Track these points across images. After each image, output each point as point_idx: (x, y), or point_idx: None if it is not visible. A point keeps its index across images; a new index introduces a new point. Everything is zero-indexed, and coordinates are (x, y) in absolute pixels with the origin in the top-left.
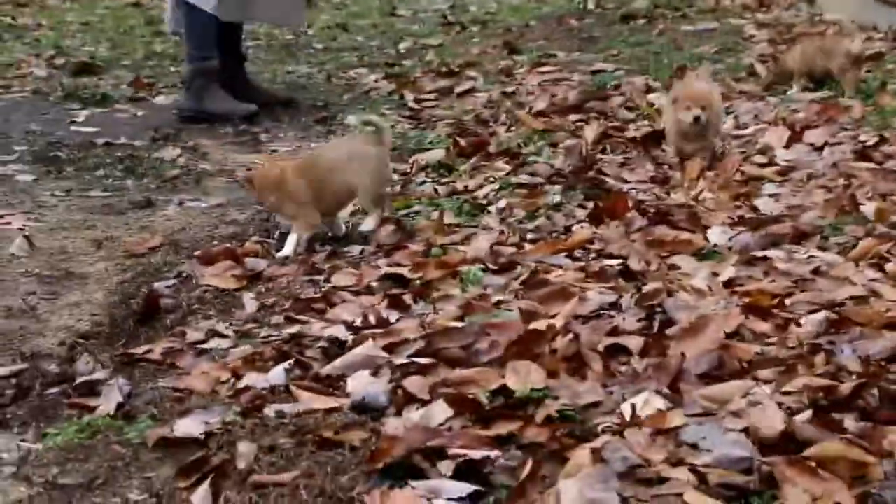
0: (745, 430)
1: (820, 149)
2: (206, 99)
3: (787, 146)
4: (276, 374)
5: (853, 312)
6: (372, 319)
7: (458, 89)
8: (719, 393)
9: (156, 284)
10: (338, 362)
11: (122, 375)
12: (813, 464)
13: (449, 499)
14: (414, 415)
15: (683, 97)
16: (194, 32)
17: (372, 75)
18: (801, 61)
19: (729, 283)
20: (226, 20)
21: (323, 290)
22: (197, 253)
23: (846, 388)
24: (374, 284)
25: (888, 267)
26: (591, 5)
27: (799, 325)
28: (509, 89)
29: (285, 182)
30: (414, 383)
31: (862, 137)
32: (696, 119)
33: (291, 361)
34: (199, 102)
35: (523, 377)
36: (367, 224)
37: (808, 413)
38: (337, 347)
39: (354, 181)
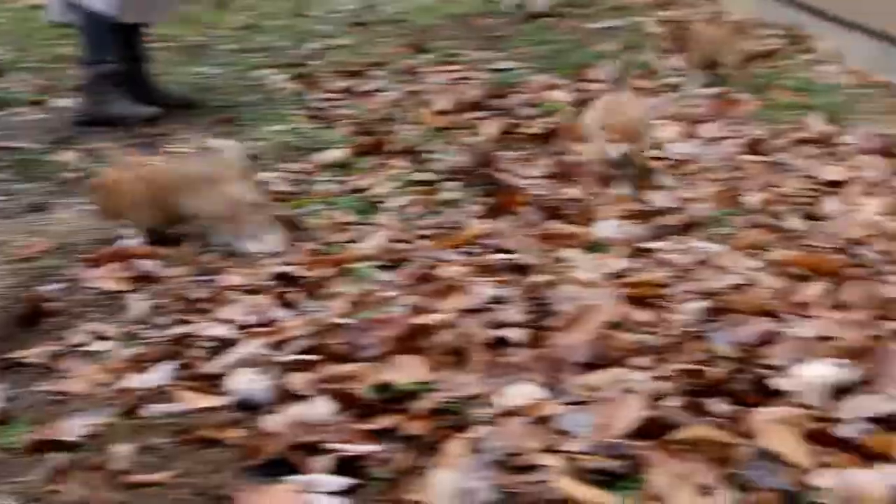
0: (616, 417)
1: (712, 142)
2: (104, 103)
3: (681, 140)
4: (159, 375)
5: (730, 300)
6: (259, 318)
7: (362, 88)
8: (595, 381)
9: (39, 288)
10: (221, 360)
11: (1, 381)
12: (679, 447)
13: (324, 493)
14: (295, 411)
15: (610, 128)
16: (91, 35)
17: (279, 76)
18: (699, 57)
19: (614, 275)
20: (126, 22)
21: (212, 290)
22: (85, 255)
23: (716, 373)
24: (265, 283)
25: (767, 256)
26: (503, 7)
27: (679, 313)
28: (414, 88)
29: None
30: (297, 380)
31: (751, 131)
32: (624, 155)
33: (175, 361)
34: (97, 106)
35: (406, 371)
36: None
37: (678, 398)
38: (222, 346)
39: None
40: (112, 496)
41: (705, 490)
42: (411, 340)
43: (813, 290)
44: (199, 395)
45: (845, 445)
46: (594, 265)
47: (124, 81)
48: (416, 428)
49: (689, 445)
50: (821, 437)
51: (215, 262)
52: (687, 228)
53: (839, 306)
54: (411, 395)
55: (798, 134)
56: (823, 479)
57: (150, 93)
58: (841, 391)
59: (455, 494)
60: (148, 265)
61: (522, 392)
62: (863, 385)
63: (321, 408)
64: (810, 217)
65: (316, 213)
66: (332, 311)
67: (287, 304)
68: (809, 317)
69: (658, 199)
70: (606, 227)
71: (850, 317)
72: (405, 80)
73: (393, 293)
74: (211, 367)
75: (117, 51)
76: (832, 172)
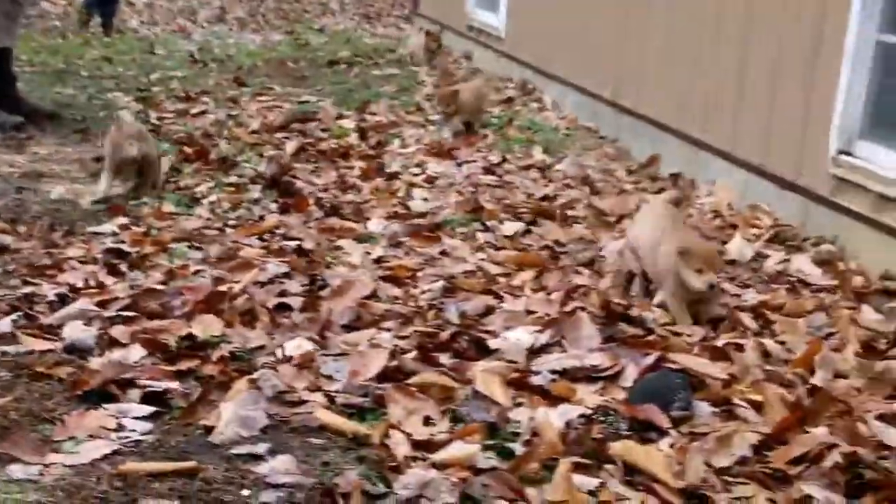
0: (367, 366)
1: (460, 165)
2: None
3: (437, 162)
4: (4, 324)
5: (463, 282)
6: (92, 282)
7: (193, 111)
8: (353, 338)
9: None
10: (58, 314)
11: None
12: (413, 389)
13: (133, 417)
14: (115, 355)
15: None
16: None
17: (125, 98)
18: (461, 101)
19: (377, 260)
20: None
21: (55, 259)
22: None
23: (446, 335)
24: (99, 256)
25: (490, 252)
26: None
27: (423, 291)
28: (234, 112)
29: None
30: (118, 331)
31: (490, 158)
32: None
33: (20, 313)
34: None
35: (206, 327)
36: None
37: (415, 353)
38: (60, 303)
39: None
40: None
41: (431, 421)
42: (213, 303)
43: (524, 277)
44: (37, 340)
45: (537, 390)
46: (362, 252)
47: None
48: (210, 370)
49: (421, 388)
50: (519, 384)
51: (59, 238)
52: (435, 227)
53: (541, 289)
54: (209, 345)
55: (524, 161)
56: (519, 415)
57: (18, 104)
58: (537, 350)
59: (237, 420)
60: (6, 239)
61: (297, 345)
62: (552, 346)
63: (136, 353)
64: (529, 223)
65: (146, 205)
66: (151, 279)
67: (115, 273)
68: (519, 296)
69: (417, 205)
70: (375, 225)
71: (548, 297)
72: (228, 106)
73: (201, 267)
74: (50, 319)
75: None
76: (545, 190)
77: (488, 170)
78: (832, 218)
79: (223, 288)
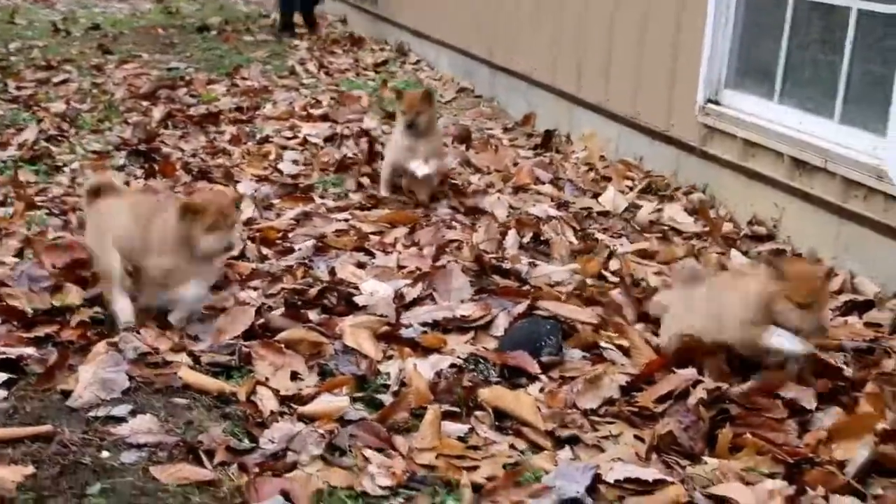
0: (233, 324)
1: (332, 126)
2: None
3: (310, 126)
4: None
5: (334, 241)
6: None
7: (55, 80)
8: (217, 299)
9: None
10: None
11: None
12: (281, 345)
13: None
14: None
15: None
16: None
17: None
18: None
19: (247, 222)
20: None
21: None
22: None
23: (314, 291)
24: None
25: (358, 213)
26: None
27: (294, 250)
28: (99, 81)
29: None
30: None
31: (365, 122)
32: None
33: None
34: None
35: (66, 294)
36: None
37: (282, 310)
38: None
39: None
40: None
41: (298, 376)
42: (74, 269)
43: (397, 234)
44: None
45: (407, 343)
46: None
47: None
48: (69, 335)
49: (289, 344)
50: (390, 337)
51: None
52: (306, 190)
53: (414, 245)
54: (69, 310)
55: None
56: (389, 367)
57: None
58: (408, 304)
59: (96, 383)
60: None
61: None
62: (424, 299)
63: None
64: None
65: (3, 173)
66: (7, 249)
67: None
68: (391, 252)
69: (288, 168)
70: (245, 187)
71: (420, 252)
72: (92, 74)
73: (62, 234)
74: None
75: None
76: None
77: (362, 131)
78: (702, 167)
79: (82, 255)
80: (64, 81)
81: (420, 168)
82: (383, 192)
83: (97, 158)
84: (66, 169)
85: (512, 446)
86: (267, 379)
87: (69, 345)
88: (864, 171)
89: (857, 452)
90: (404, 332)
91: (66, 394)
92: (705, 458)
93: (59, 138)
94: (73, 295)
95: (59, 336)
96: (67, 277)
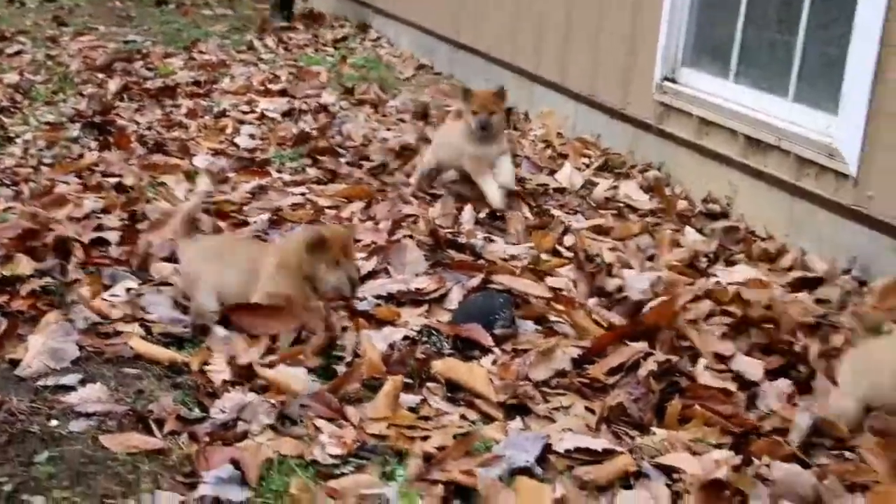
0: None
1: (290, 101)
2: None
3: (268, 101)
4: None
5: (290, 214)
6: None
7: (8, 51)
8: (167, 270)
9: None
10: None
11: None
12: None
13: None
14: None
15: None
16: None
17: None
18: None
19: (202, 195)
20: None
21: None
22: None
23: None
24: None
25: (315, 187)
26: None
27: (250, 223)
28: (54, 52)
29: None
30: None
31: (324, 98)
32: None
33: None
34: None
35: (16, 264)
36: None
37: None
38: None
39: None
40: None
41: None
42: (25, 241)
43: (353, 208)
44: None
45: (362, 315)
46: (186, 187)
47: None
48: (19, 305)
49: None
50: (344, 310)
51: None
52: (263, 163)
53: (370, 219)
54: (19, 280)
55: (361, 97)
56: (345, 340)
57: None
58: (363, 277)
59: (46, 352)
60: None
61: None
62: (379, 272)
63: None
64: (361, 158)
65: None
66: None
67: None
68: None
69: (244, 142)
70: (201, 161)
71: (376, 226)
72: (47, 46)
73: (13, 205)
74: None
75: None
76: (377, 126)
77: (322, 107)
78: (659, 145)
79: (36, 224)
80: (17, 53)
81: (497, 200)
82: (414, 188)
83: (50, 129)
84: (18, 140)
85: (463, 417)
86: (219, 349)
87: (19, 315)
88: (816, 150)
89: (797, 418)
90: (359, 305)
91: (15, 363)
92: (654, 429)
93: (12, 110)
94: (24, 265)
95: (9, 306)
96: (18, 248)
